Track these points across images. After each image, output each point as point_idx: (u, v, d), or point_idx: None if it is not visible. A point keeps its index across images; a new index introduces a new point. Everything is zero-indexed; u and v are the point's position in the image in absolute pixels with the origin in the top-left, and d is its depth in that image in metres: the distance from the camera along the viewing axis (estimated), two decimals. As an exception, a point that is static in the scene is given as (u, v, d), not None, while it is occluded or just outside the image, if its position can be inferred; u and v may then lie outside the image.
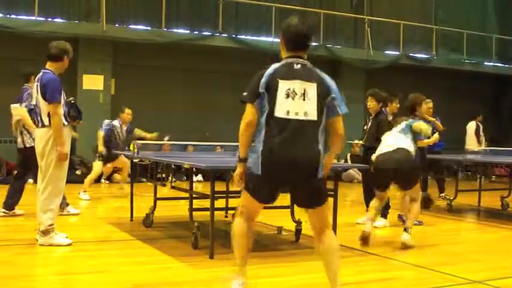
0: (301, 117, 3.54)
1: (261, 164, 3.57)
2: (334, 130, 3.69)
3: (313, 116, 3.57)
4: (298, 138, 3.53)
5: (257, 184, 3.67)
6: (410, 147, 6.02)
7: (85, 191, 9.55)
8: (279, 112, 3.54)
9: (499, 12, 19.24)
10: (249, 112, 3.60)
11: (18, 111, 7.53)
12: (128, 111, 10.26)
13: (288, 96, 3.55)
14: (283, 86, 3.57)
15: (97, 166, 10.09)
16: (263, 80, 3.60)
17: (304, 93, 3.57)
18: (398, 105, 8.01)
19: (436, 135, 8.18)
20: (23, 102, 7.41)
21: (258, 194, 3.72)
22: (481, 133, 13.38)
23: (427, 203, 7.36)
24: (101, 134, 9.88)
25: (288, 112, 3.54)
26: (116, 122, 10.10)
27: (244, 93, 3.65)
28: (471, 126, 13.44)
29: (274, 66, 3.69)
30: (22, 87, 7.63)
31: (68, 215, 7.49)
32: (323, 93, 3.61)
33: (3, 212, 7.33)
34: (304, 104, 3.56)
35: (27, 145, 7.39)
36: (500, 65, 18.70)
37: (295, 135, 3.52)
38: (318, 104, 3.58)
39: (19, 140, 7.61)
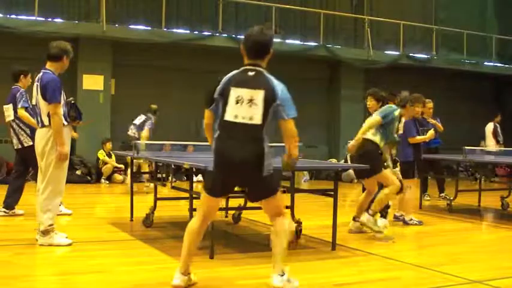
0: (246, 121, 3.94)
1: (213, 162, 4.04)
2: (283, 132, 4.08)
3: (257, 120, 3.95)
4: (243, 140, 3.94)
5: (211, 180, 4.12)
6: (372, 137, 6.57)
7: None
8: (229, 116, 3.98)
9: (499, 12, 19.23)
10: (206, 116, 4.18)
11: (9, 112, 7.51)
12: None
13: (237, 102, 3.97)
14: (235, 93, 3.99)
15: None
16: (219, 86, 4.08)
17: (251, 100, 3.95)
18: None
19: (432, 131, 8.20)
20: (18, 103, 7.38)
21: (212, 189, 4.13)
22: (500, 133, 13.54)
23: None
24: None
25: (236, 116, 3.96)
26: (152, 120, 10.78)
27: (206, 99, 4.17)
28: (489, 127, 13.59)
29: (232, 73, 4.10)
30: (12, 87, 7.61)
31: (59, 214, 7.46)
32: (270, 100, 3.94)
33: (3, 212, 7.33)
34: (250, 109, 3.95)
35: (25, 144, 7.41)
36: (500, 65, 18.70)
37: (241, 137, 3.95)
38: (263, 109, 3.94)
39: (14, 140, 7.60)
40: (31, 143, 6.87)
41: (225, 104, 4.01)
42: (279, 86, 4.00)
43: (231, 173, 4.02)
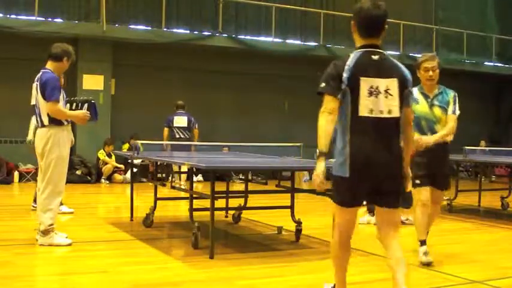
0: (385, 115, 3.35)
1: (350, 166, 3.34)
2: (407, 119, 3.50)
3: (396, 112, 3.38)
4: (384, 138, 3.36)
5: (344, 188, 3.43)
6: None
7: None
8: (363, 111, 3.32)
9: (499, 12, 19.23)
10: (330, 100, 3.32)
11: None
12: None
13: (371, 94, 3.33)
14: (366, 84, 3.32)
15: None
16: (345, 75, 3.31)
17: (387, 90, 3.35)
18: None
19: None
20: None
21: (346, 199, 3.49)
22: None
23: None
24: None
25: (371, 111, 3.32)
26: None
27: (322, 85, 3.38)
28: None
29: (353, 58, 3.37)
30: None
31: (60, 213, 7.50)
32: (402, 87, 3.42)
33: (33, 207, 7.44)
34: (387, 102, 3.35)
35: None
36: (500, 65, 18.70)
37: (381, 135, 3.35)
38: (399, 99, 3.39)
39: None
40: None
41: (356, 97, 3.31)
42: (406, 70, 3.49)
43: (372, 176, 3.35)
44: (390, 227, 3.57)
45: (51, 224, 5.54)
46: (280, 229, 6.65)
